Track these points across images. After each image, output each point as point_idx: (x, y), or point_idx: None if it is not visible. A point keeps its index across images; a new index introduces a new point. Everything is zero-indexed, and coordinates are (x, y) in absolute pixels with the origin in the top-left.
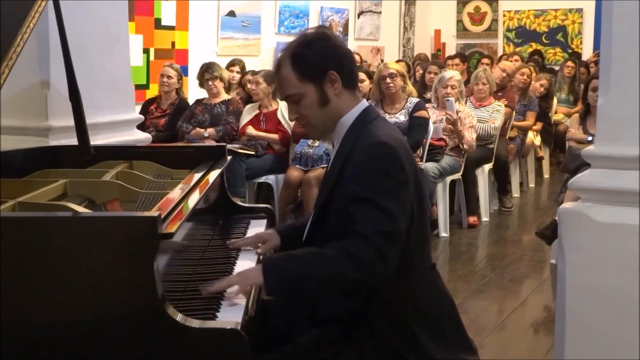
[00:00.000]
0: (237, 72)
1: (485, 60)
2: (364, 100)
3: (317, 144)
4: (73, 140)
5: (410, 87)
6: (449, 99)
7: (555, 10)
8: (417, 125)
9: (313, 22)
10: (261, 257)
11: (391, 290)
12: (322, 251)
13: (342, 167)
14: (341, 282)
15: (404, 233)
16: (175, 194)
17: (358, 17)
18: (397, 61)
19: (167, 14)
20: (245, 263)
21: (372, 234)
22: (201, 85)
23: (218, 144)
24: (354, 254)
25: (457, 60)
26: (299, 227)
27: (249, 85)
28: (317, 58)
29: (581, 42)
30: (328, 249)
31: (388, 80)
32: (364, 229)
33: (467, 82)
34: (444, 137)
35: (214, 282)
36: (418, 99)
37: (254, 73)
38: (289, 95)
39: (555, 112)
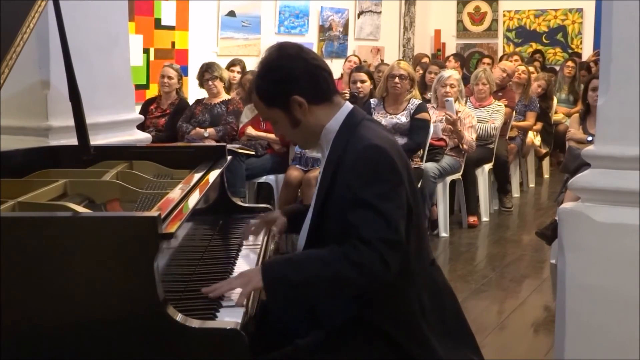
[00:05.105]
0: (238, 72)
1: (486, 60)
2: (347, 103)
3: None
4: (73, 140)
5: (415, 92)
6: (449, 99)
7: (555, 10)
8: (418, 127)
9: (313, 22)
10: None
11: (390, 288)
12: (322, 257)
13: (333, 173)
14: (344, 288)
15: (404, 238)
16: (175, 194)
17: (358, 17)
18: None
19: (167, 14)
20: (245, 263)
21: (374, 241)
22: (201, 85)
23: (218, 144)
24: (356, 260)
25: (451, 59)
26: (303, 208)
27: (249, 86)
28: (275, 88)
29: (581, 42)
30: (328, 254)
31: (397, 80)
32: (366, 234)
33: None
34: (444, 137)
35: (215, 285)
36: (420, 101)
37: (254, 73)
38: (264, 118)
39: (555, 112)
